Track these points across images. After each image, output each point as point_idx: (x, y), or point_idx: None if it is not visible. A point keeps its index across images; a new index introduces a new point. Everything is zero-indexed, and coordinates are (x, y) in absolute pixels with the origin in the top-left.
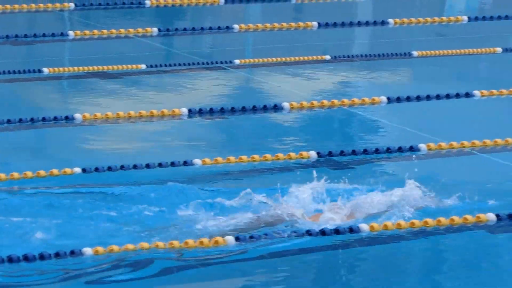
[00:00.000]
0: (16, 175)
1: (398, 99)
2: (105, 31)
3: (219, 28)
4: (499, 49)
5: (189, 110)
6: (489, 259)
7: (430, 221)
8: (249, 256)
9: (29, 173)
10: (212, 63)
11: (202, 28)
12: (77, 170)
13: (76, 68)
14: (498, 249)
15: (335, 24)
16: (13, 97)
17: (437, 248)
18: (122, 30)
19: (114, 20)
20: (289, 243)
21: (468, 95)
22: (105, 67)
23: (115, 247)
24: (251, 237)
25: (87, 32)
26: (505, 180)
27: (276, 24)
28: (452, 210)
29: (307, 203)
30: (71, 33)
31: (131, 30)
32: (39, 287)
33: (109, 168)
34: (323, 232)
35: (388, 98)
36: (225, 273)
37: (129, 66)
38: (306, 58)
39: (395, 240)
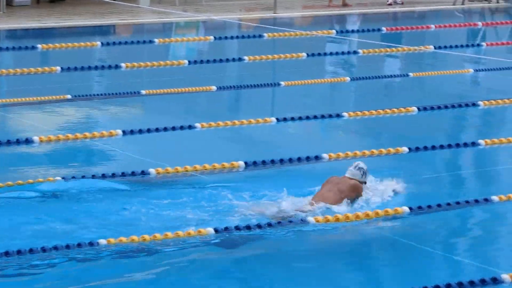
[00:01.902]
0: None
1: (132, 132)
2: None
3: None
4: (214, 88)
5: None
6: None
7: None
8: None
9: None
10: None
11: None
12: None
13: None
14: None
15: (75, 68)
16: None
17: None
18: None
19: None
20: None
21: (190, 127)
22: None
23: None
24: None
25: None
26: (218, 200)
27: (25, 69)
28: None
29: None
30: None
31: None
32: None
33: None
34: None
35: (123, 131)
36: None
37: None
38: (52, 97)
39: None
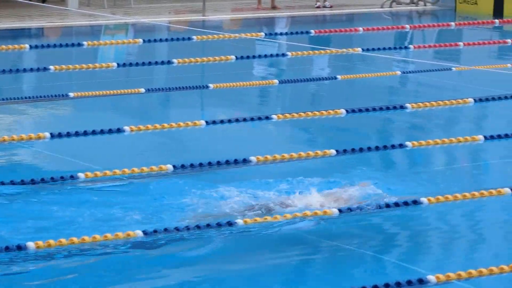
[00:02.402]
0: None
1: (60, 135)
2: None
3: None
4: (142, 90)
5: None
6: None
7: None
8: None
9: None
10: None
11: None
12: None
13: None
14: None
15: (3, 71)
16: None
17: None
18: None
19: None
20: None
21: (119, 130)
22: None
23: None
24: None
25: None
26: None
27: None
28: None
29: None
30: None
31: None
32: None
33: None
34: None
35: (51, 134)
36: None
37: None
38: None
39: None
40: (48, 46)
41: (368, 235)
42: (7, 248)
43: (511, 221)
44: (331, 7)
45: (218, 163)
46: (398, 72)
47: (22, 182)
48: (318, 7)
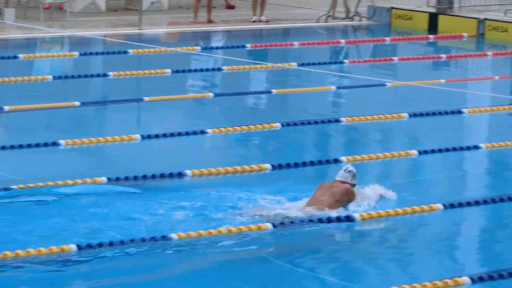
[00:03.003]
0: None
1: None
2: None
3: None
4: (77, 103)
5: None
6: None
7: None
8: None
9: None
10: None
11: None
12: None
13: None
14: None
15: None
16: None
17: None
18: None
19: None
20: None
21: (54, 143)
22: None
23: None
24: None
25: None
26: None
27: None
28: None
29: None
30: None
31: None
32: None
33: None
34: None
35: None
36: None
37: None
38: None
39: None
40: None
41: (299, 250)
42: None
43: (443, 236)
44: (267, 21)
45: (153, 176)
46: (333, 87)
47: None
48: (254, 21)
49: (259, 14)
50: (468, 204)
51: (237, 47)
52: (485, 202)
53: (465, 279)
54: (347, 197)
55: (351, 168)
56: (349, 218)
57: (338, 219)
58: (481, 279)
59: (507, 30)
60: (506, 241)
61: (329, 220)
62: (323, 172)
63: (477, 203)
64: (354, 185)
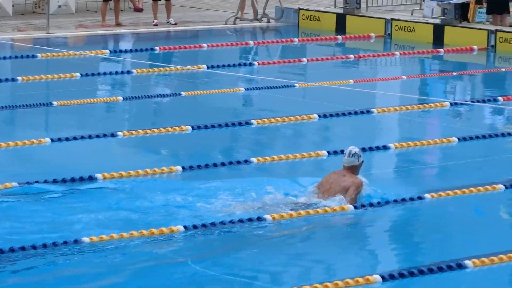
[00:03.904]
0: None
1: None
2: None
3: None
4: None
5: None
6: None
7: None
8: None
9: None
10: None
11: None
12: None
13: None
14: None
15: None
16: None
17: None
18: None
19: None
20: None
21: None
22: None
23: None
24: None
25: None
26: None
27: None
28: None
29: None
30: None
31: None
32: None
33: None
34: None
35: None
36: None
37: None
38: None
39: None
40: None
41: (213, 250)
42: None
43: (355, 236)
44: (175, 23)
45: (64, 180)
46: (243, 89)
47: None
48: (155, 24)
49: (166, 17)
50: (379, 204)
51: (146, 50)
52: (395, 201)
53: (376, 277)
54: (357, 190)
55: (354, 150)
56: (260, 219)
57: (250, 220)
58: (391, 276)
59: (414, 30)
60: (419, 239)
61: (241, 220)
62: (233, 173)
63: (387, 203)
64: (362, 162)
